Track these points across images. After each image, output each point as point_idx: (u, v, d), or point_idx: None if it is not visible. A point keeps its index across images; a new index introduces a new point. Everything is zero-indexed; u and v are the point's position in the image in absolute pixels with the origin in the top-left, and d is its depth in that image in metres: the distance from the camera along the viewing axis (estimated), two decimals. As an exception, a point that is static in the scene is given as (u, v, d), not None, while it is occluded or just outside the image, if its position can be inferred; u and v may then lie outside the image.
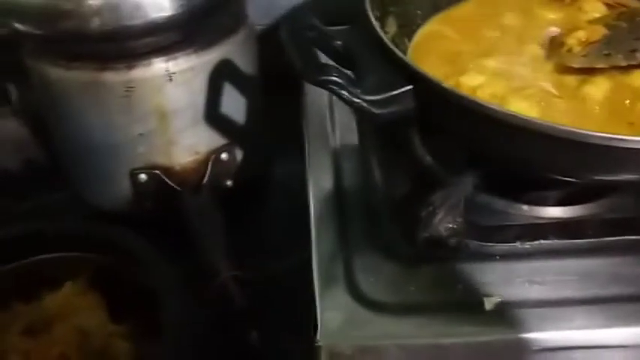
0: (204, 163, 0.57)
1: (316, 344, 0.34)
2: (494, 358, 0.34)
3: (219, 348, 0.45)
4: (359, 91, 0.35)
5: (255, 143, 0.60)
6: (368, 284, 0.36)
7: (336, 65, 0.36)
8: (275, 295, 0.52)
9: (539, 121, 0.31)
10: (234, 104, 0.56)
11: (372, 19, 0.38)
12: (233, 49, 0.54)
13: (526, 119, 0.31)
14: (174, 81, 0.51)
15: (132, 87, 0.50)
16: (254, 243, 0.58)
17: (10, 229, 0.46)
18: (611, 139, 0.30)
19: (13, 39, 0.54)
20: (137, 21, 0.47)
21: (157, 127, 0.53)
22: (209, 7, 0.50)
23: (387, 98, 0.35)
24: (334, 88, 0.34)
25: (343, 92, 0.34)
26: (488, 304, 0.35)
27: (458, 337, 0.33)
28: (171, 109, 0.52)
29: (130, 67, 0.50)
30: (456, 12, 0.50)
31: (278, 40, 0.65)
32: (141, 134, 0.53)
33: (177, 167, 0.56)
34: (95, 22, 0.46)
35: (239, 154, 0.59)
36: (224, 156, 0.57)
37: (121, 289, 0.44)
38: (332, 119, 0.49)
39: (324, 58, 0.37)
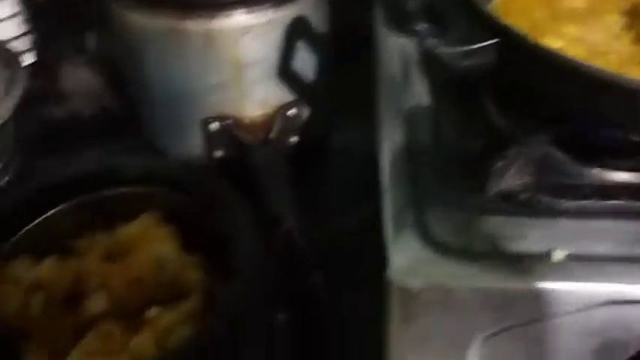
0: (272, 117, 0.58)
1: (386, 280, 0.35)
2: (558, 308, 0.35)
3: (285, 292, 0.47)
4: (442, 41, 0.36)
5: (322, 103, 0.61)
6: (437, 230, 0.37)
7: (422, 16, 0.37)
8: (337, 249, 0.54)
9: (632, 79, 0.31)
10: (305, 62, 0.58)
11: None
12: (308, 7, 0.55)
13: (618, 76, 0.31)
14: (251, 33, 0.53)
15: (211, 37, 0.52)
16: (316, 200, 0.60)
17: (90, 162, 0.48)
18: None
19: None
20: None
21: (232, 78, 0.55)
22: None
23: (469, 51, 0.36)
24: (419, 37, 0.35)
25: (428, 41, 0.35)
26: (556, 255, 0.35)
27: (523, 283, 0.34)
28: (246, 62, 0.54)
29: (211, 17, 0.52)
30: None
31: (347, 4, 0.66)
32: (215, 84, 0.55)
33: (247, 120, 0.58)
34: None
35: (305, 112, 0.60)
36: (292, 112, 0.59)
37: (195, 225, 0.46)
38: (406, 80, 0.50)
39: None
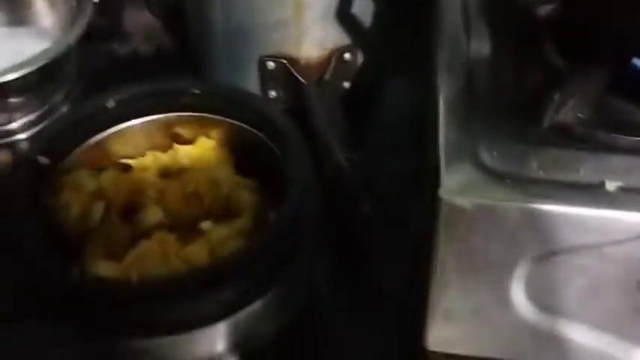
0: (327, 59, 0.59)
1: (438, 198, 0.36)
2: (606, 236, 0.35)
3: (334, 217, 0.48)
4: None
5: (376, 50, 0.62)
6: (491, 158, 0.38)
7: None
8: (383, 188, 0.55)
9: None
10: (364, 7, 0.59)
11: None
12: (372, -48, 0.56)
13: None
14: (314, -29, 0.54)
15: (276, -28, 0.53)
16: (364, 143, 0.61)
17: (157, 84, 0.50)
18: None
19: None
20: None
21: (292, 15, 0.56)
22: None
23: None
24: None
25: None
26: (610, 186, 0.36)
27: (573, 208, 0.35)
28: (308, 0, 0.55)
29: (280, -45, 0.53)
30: None
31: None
32: (276, 21, 0.56)
33: (303, 61, 0.59)
34: None
35: (360, 58, 0.61)
36: (347, 56, 0.60)
37: (250, 152, 0.48)
38: (466, 30, 0.50)
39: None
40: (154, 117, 0.50)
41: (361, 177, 0.51)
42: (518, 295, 0.38)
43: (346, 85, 0.62)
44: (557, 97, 0.38)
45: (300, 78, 0.59)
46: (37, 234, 0.41)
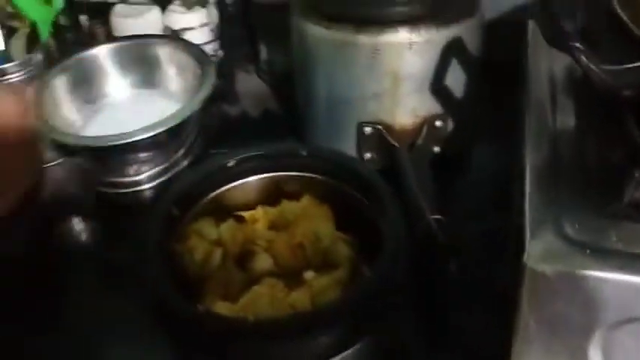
0: (420, 126, 0.65)
1: (523, 264, 0.40)
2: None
3: (422, 275, 0.52)
4: (598, 60, 0.40)
5: (466, 119, 0.67)
6: (573, 229, 0.41)
7: (577, 36, 0.42)
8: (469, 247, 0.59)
9: None
10: (456, 80, 0.64)
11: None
12: (466, 31, 0.62)
13: None
14: (413, 49, 0.60)
15: (378, 50, 0.60)
16: (453, 206, 0.65)
17: (268, 147, 0.57)
18: None
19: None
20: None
21: (390, 87, 0.62)
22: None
23: (623, 70, 0.41)
24: (578, 54, 0.40)
25: (583, 58, 0.40)
26: (686, 262, 0.39)
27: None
28: (405, 74, 0.61)
29: (380, 33, 0.59)
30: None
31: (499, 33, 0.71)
32: (374, 93, 0.63)
33: (397, 127, 0.65)
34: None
35: (450, 125, 0.66)
36: (438, 123, 0.65)
37: (350, 210, 0.54)
38: (552, 102, 0.54)
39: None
40: (266, 175, 0.57)
41: (448, 237, 0.55)
42: None
43: (436, 149, 0.67)
44: (638, 174, 0.41)
45: (394, 142, 0.64)
46: (165, 275, 0.48)
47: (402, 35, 0.59)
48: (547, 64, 0.56)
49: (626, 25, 0.41)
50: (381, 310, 0.48)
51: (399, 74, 0.61)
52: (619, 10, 0.42)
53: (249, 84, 0.86)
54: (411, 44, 0.59)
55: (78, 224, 0.70)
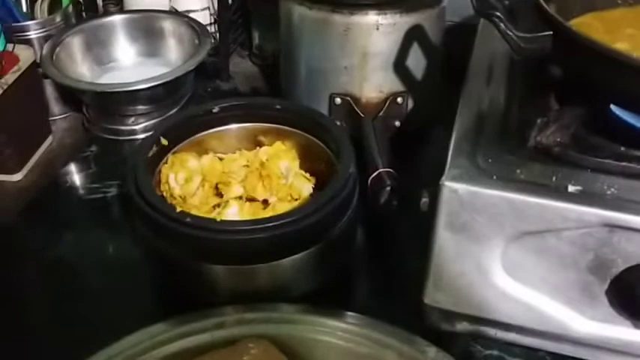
0: (384, 101, 0.74)
1: (441, 184, 0.49)
2: (565, 224, 0.47)
3: (368, 208, 0.62)
4: (513, 27, 0.51)
5: (425, 98, 0.77)
6: (485, 162, 0.50)
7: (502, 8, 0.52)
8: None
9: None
10: (417, 61, 0.74)
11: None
12: (428, 19, 0.72)
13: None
14: (380, 31, 0.70)
15: (349, 28, 0.70)
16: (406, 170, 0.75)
17: (250, 99, 0.67)
18: None
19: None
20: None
21: (358, 63, 0.72)
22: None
23: (532, 37, 0.51)
24: (496, 20, 0.50)
25: (502, 25, 0.50)
26: (572, 188, 0.48)
27: (542, 200, 0.47)
28: (372, 52, 0.71)
29: (352, 14, 0.69)
30: (608, 14, 0.63)
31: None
32: (345, 67, 0.73)
33: (364, 99, 0.75)
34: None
35: (410, 103, 0.76)
36: (399, 100, 0.75)
37: (313, 153, 0.63)
38: (488, 81, 0.63)
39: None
40: (245, 124, 0.67)
41: (396, 184, 0.65)
42: (496, 266, 0.50)
43: (397, 124, 0.76)
44: (539, 121, 0.51)
45: (360, 113, 0.74)
46: (154, 190, 0.57)
47: (371, 17, 0.69)
48: (490, 51, 0.66)
49: (538, 2, 0.51)
50: (333, 221, 0.57)
51: (368, 52, 0.71)
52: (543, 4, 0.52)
53: (242, 65, 0.96)
54: (378, 25, 0.70)
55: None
